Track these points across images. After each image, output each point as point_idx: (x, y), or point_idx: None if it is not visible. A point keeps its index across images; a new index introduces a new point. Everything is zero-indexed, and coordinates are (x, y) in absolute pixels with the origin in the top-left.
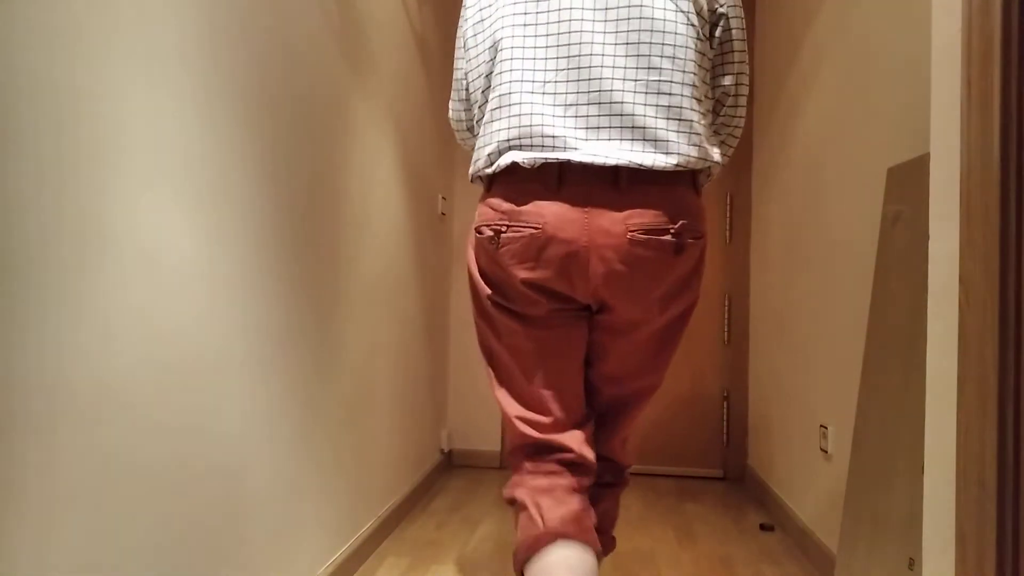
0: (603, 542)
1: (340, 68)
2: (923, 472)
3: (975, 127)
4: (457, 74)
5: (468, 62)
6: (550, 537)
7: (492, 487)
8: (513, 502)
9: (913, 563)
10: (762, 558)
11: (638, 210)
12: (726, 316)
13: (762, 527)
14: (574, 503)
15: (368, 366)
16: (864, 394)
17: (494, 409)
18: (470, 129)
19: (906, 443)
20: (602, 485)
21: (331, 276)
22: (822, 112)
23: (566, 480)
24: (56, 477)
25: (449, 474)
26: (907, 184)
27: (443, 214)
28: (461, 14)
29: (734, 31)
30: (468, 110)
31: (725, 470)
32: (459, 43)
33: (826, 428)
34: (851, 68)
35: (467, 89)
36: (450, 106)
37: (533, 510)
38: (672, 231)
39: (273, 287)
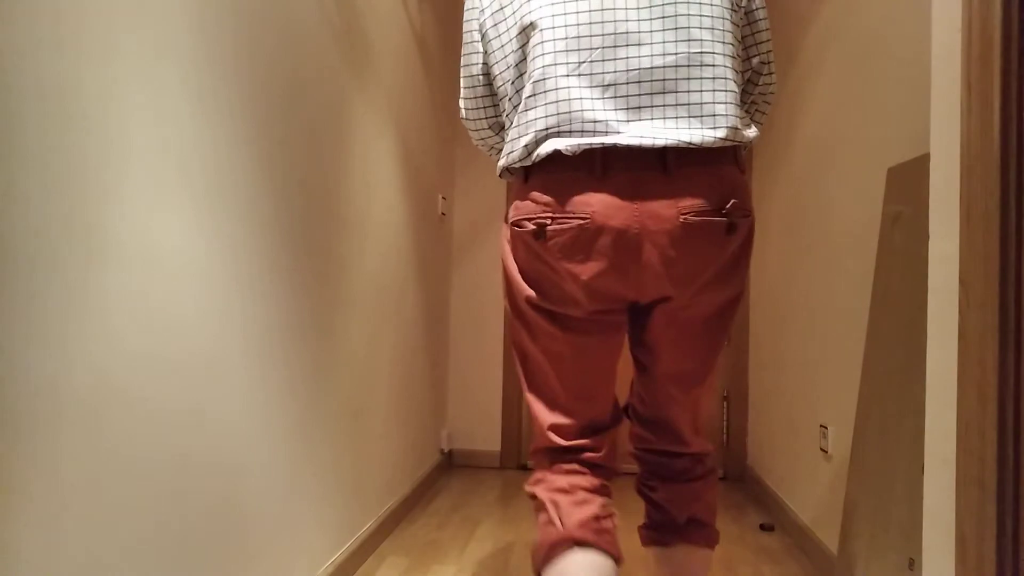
0: (710, 535)
1: (340, 68)
2: (923, 472)
3: (975, 127)
4: (472, 69)
5: (490, 55)
6: (567, 543)
7: (492, 487)
8: (534, 497)
9: (913, 563)
10: (762, 558)
11: (688, 192)
12: None
13: (762, 527)
14: (594, 505)
15: (368, 366)
16: (864, 394)
17: (494, 409)
18: (493, 127)
19: (906, 443)
20: (695, 479)
21: (331, 276)
22: (822, 112)
23: (587, 480)
24: (56, 476)
25: (449, 474)
26: (907, 184)
27: (443, 214)
28: (468, 4)
29: (756, 1)
30: (492, 106)
31: (725, 470)
32: (471, 36)
33: (826, 428)
34: (851, 68)
35: (486, 84)
36: (462, 105)
37: (552, 511)
38: (724, 211)
39: (273, 287)
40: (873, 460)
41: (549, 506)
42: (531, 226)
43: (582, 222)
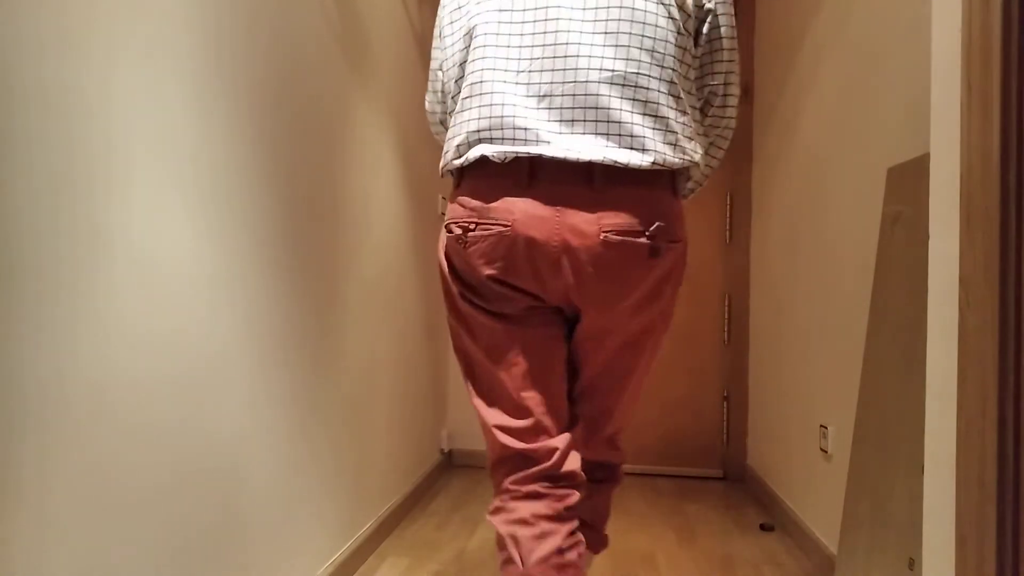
0: (595, 539)
1: (340, 68)
2: (923, 472)
3: (975, 127)
4: (433, 64)
5: (443, 51)
6: None
7: (492, 487)
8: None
9: (913, 563)
10: (762, 558)
11: (612, 211)
12: (726, 316)
13: (762, 527)
14: (557, 537)
15: (368, 366)
16: (864, 394)
17: None
18: (443, 122)
19: (906, 443)
20: (593, 481)
21: (331, 277)
22: (822, 112)
23: (549, 506)
24: (57, 476)
25: (449, 474)
26: (907, 184)
27: (443, 214)
28: (441, 2)
29: (723, 28)
30: (442, 102)
31: (725, 470)
32: (436, 32)
33: (826, 428)
34: (851, 68)
35: (441, 80)
36: (426, 98)
37: (512, 548)
38: (647, 233)
39: (273, 288)
40: (873, 460)
41: (508, 542)
42: (457, 230)
43: (503, 230)
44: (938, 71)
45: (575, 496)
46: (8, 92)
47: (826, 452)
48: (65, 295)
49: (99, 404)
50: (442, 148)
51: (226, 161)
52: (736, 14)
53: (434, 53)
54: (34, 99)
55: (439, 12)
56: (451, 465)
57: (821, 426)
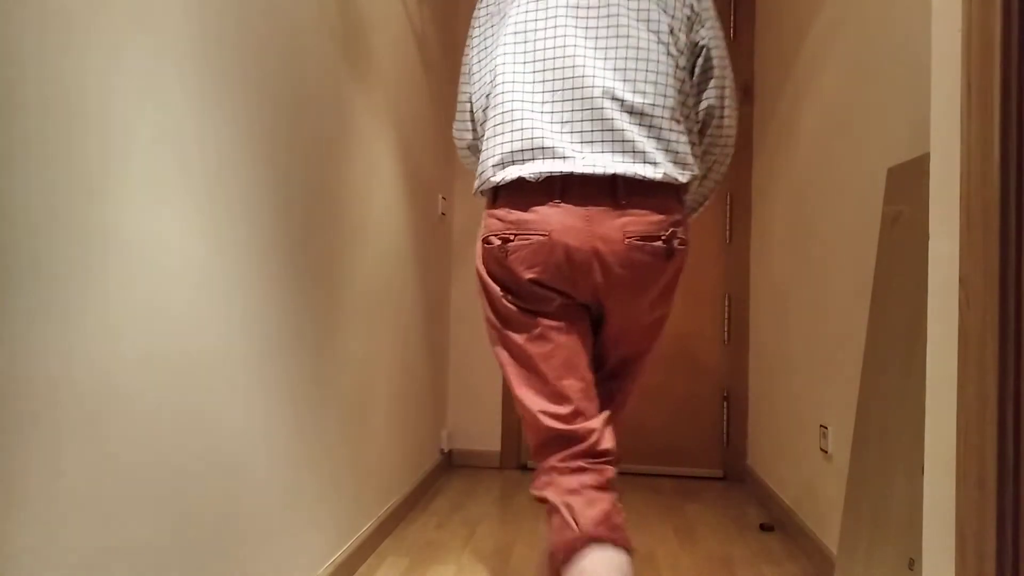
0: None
1: (340, 68)
2: (923, 472)
3: (975, 127)
4: (462, 98)
5: (472, 86)
6: (585, 541)
7: (492, 487)
8: (544, 501)
9: (913, 563)
10: (762, 558)
11: (634, 218)
12: (726, 316)
13: (762, 527)
14: (604, 502)
15: (368, 366)
16: (864, 394)
17: (494, 409)
18: (471, 148)
19: (906, 443)
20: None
21: (331, 277)
22: (822, 112)
23: (593, 478)
24: (56, 476)
25: (449, 474)
26: (907, 184)
27: (443, 214)
28: (467, 43)
29: (715, 59)
30: (471, 131)
31: (725, 470)
32: (464, 69)
33: (826, 428)
34: (851, 68)
35: (470, 111)
36: (454, 127)
37: (566, 513)
38: (663, 237)
39: (273, 287)
40: (873, 460)
41: (563, 509)
42: (497, 241)
43: (541, 238)
44: (938, 71)
45: (612, 471)
46: (9, 91)
47: (826, 452)
48: (65, 297)
49: (99, 406)
50: (471, 168)
51: (226, 163)
52: (737, 14)
53: (463, 88)
54: (34, 98)
55: (467, 52)
56: (451, 465)
57: (821, 426)
